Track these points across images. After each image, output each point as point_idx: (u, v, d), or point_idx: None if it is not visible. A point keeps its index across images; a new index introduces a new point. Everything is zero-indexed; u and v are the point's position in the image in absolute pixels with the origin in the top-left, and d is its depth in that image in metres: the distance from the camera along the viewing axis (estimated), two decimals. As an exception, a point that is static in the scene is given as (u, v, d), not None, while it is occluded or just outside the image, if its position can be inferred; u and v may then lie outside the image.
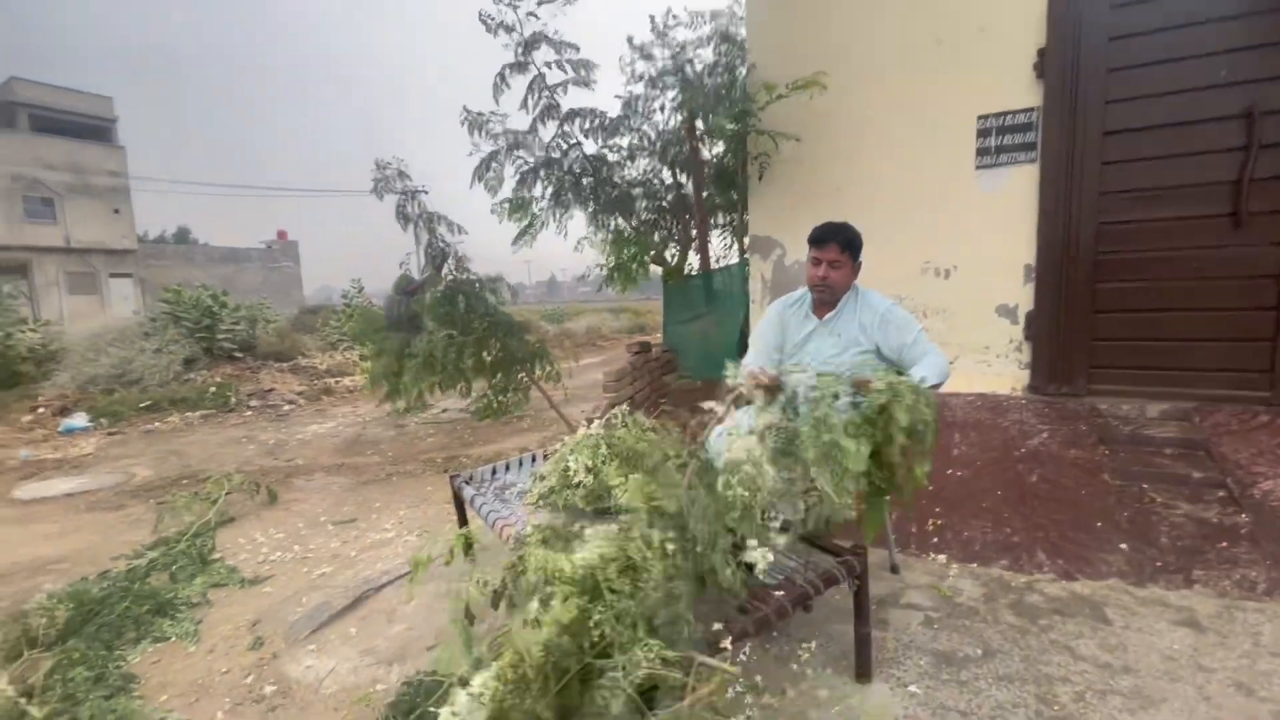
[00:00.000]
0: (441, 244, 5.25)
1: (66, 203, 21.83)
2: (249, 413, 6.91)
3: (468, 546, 1.91)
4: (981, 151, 3.61)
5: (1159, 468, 2.82)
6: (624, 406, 2.57)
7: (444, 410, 6.61)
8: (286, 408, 7.14)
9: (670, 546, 1.50)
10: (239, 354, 8.79)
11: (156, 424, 6.41)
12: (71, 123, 22.35)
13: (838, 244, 2.09)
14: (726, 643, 1.49)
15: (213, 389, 7.20)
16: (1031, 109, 3.46)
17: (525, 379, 5.20)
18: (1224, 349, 3.14)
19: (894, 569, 2.40)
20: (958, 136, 3.66)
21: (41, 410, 6.66)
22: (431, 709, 1.55)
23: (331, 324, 11.09)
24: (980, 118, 3.60)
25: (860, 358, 2.10)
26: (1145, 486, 2.73)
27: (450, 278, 5.20)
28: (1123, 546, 2.37)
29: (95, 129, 23.24)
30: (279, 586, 2.73)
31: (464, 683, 1.49)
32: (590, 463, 2.30)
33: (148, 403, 6.77)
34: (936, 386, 1.92)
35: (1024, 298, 3.59)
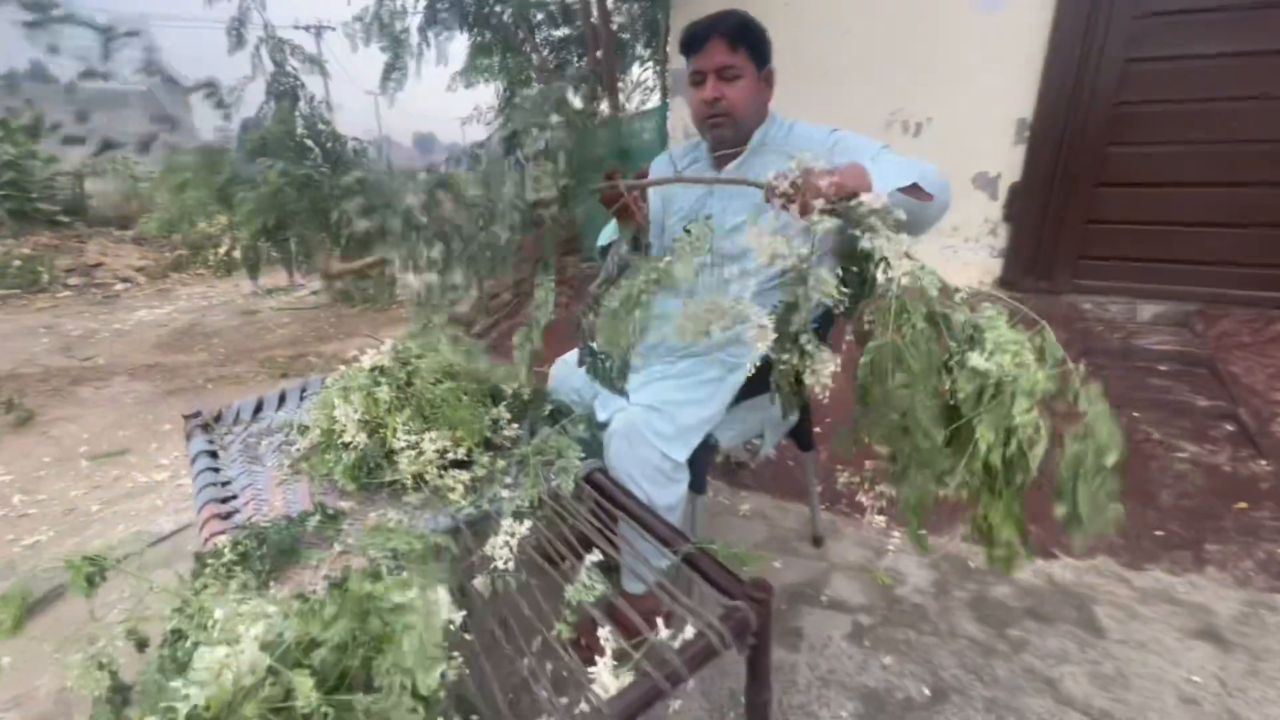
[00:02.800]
0: (290, 78, 3.93)
1: None
2: (65, 293, 5.60)
3: (90, 579, 1.09)
4: (985, -50, 2.59)
5: (1154, 391, 2.23)
6: (436, 318, 1.68)
7: (314, 293, 5.53)
8: (118, 287, 5.85)
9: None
10: (64, 218, 7.17)
11: (-67, 307, 5.09)
12: None
13: (724, 39, 1.17)
14: None
15: (17, 263, 5.78)
16: (1063, -120, 2.42)
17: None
18: (1241, 237, 2.47)
19: (816, 541, 1.77)
20: (955, -75, 2.61)
21: None
22: None
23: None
24: (990, -105, 2.54)
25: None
26: (1137, 416, 2.15)
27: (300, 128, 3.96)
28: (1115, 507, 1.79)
29: None
30: (-50, 569, 1.89)
31: None
32: (367, 412, 1.47)
33: (-79, 279, 5.36)
34: (913, 192, 1.01)
35: (1010, 164, 2.78)
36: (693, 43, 1.21)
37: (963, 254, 2.97)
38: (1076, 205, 2.66)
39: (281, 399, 1.90)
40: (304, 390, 1.92)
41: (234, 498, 1.40)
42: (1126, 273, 2.67)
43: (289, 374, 3.59)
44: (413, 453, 1.39)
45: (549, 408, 1.55)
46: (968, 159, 2.84)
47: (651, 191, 1.48)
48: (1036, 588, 1.58)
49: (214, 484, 1.43)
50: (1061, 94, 2.57)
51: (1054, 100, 2.58)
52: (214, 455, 1.62)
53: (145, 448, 2.67)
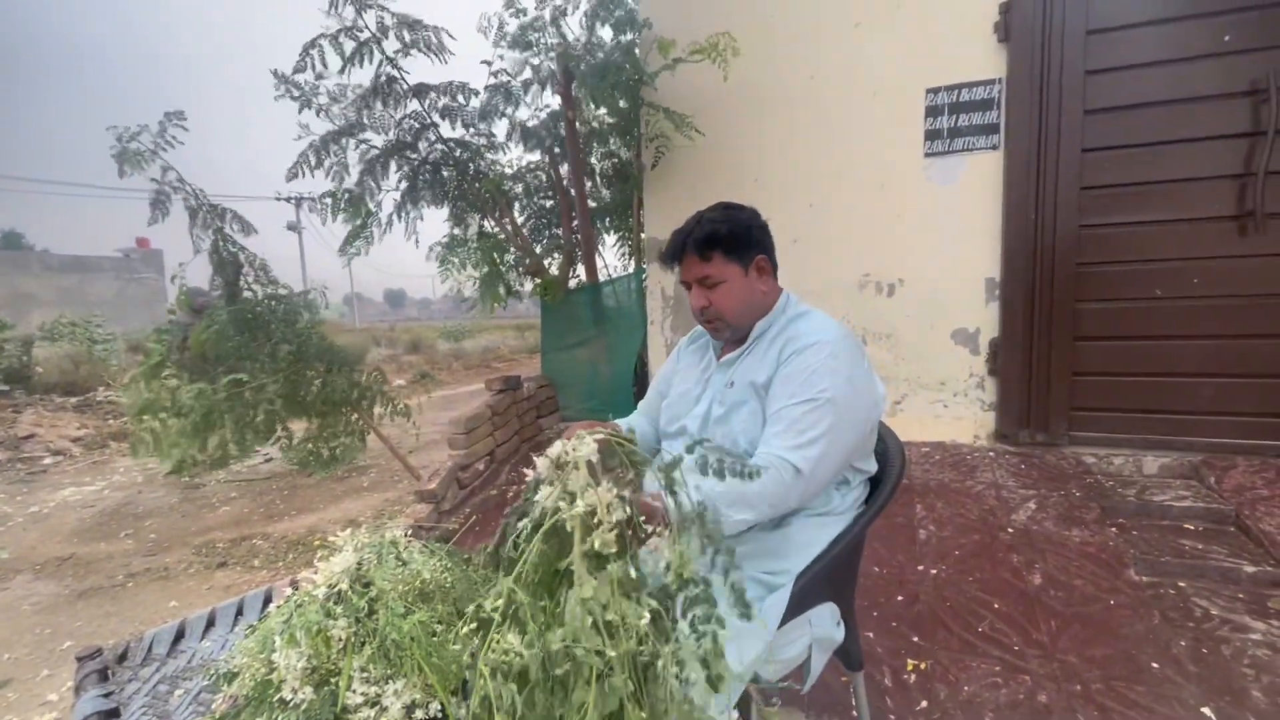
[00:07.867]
0: (231, 250, 3.96)
1: None
2: (-16, 470, 5.09)
3: None
4: (931, 135, 2.84)
5: (1191, 555, 2.07)
6: (396, 533, 1.44)
7: (267, 459, 5.15)
8: (48, 461, 5.37)
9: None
10: (3, 387, 6.78)
11: None
12: None
13: (694, 252, 1.18)
14: None
15: (-65, 438, 5.30)
16: (993, 81, 2.72)
17: (358, 422, 3.94)
18: (1234, 387, 2.48)
19: (871, 780, 1.44)
20: (903, 115, 2.88)
21: None
22: None
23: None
24: (929, 91, 2.83)
25: (754, 419, 1.15)
26: (1185, 587, 1.96)
27: (248, 295, 3.93)
28: (1207, 714, 1.54)
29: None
30: None
31: None
32: (316, 654, 1.17)
33: None
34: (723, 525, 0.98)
35: (986, 320, 2.84)
36: (669, 257, 1.22)
37: (953, 408, 2.93)
38: (1059, 359, 2.68)
39: (210, 622, 1.56)
40: (240, 609, 1.60)
41: (123, 791, 1.05)
42: (1123, 424, 2.63)
43: (228, 562, 3.16)
44: (371, 712, 1.09)
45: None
46: (944, 316, 2.89)
47: (667, 370, 1.42)
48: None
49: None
50: (1024, 256, 2.69)
51: (1019, 262, 2.70)
52: (113, 716, 1.27)
53: (32, 675, 2.19)
